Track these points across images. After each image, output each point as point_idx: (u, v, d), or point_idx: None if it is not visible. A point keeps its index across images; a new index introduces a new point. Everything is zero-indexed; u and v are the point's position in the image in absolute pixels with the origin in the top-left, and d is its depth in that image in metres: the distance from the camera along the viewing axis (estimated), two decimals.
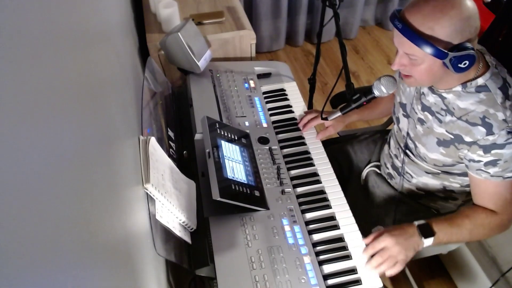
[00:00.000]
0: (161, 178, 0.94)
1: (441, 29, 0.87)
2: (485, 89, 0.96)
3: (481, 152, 0.96)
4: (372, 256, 0.98)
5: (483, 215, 1.01)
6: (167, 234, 0.92)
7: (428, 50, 0.88)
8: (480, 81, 0.96)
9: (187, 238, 1.00)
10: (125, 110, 0.90)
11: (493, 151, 0.94)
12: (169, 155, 1.09)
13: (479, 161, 0.97)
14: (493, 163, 0.95)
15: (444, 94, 1.02)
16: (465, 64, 0.88)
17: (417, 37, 0.88)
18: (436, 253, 1.35)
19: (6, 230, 0.30)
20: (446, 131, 1.03)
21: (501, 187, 0.99)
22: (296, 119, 1.37)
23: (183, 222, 0.99)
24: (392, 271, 0.96)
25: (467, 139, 0.98)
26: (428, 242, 0.98)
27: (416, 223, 1.00)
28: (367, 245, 1.00)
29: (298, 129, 1.34)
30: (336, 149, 1.48)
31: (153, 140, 0.97)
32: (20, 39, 0.38)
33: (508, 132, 0.92)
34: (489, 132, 0.94)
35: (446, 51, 0.87)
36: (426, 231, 0.98)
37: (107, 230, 0.59)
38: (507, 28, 1.35)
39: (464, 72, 0.91)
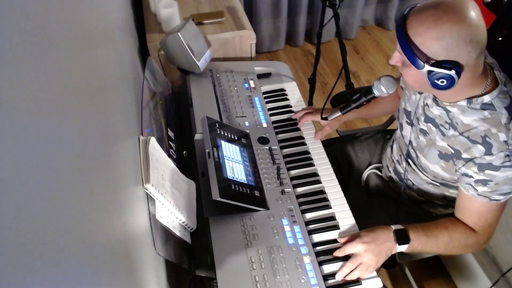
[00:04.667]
0: (161, 178, 0.94)
1: (428, 39, 0.83)
2: (490, 107, 0.92)
3: (475, 169, 0.94)
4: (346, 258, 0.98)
5: (462, 229, 1.00)
6: (167, 234, 0.92)
7: (408, 54, 0.86)
8: (487, 98, 0.92)
9: (187, 238, 1.00)
10: (125, 110, 0.90)
11: (487, 171, 0.92)
12: (169, 155, 1.09)
13: (471, 177, 0.95)
14: (483, 182, 0.93)
15: (449, 108, 0.99)
16: (442, 82, 0.85)
17: (404, 39, 0.86)
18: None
19: (6, 230, 0.30)
20: (448, 145, 1.01)
21: (485, 208, 0.97)
22: (296, 119, 1.37)
23: (183, 222, 0.99)
24: (362, 276, 0.96)
25: (465, 155, 0.96)
26: (402, 248, 0.98)
27: (394, 227, 1.00)
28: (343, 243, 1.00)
29: (298, 129, 1.34)
30: (336, 149, 1.48)
31: (153, 140, 0.97)
32: (20, 39, 0.38)
33: (506, 155, 0.89)
34: (488, 152, 0.91)
35: (422, 62, 0.84)
36: (402, 238, 0.98)
37: (107, 230, 0.59)
38: (507, 28, 1.35)
39: (444, 90, 0.87)
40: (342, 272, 0.95)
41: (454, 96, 0.96)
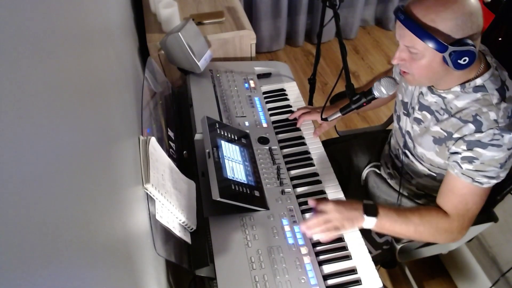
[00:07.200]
0: (161, 178, 0.94)
1: (442, 21, 0.86)
2: (482, 89, 0.95)
3: (464, 147, 0.96)
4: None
5: (435, 213, 1.02)
6: (167, 234, 0.92)
7: (428, 41, 0.88)
8: (479, 81, 0.96)
9: (187, 238, 1.00)
10: (125, 110, 0.90)
11: (475, 149, 0.94)
12: (169, 155, 1.09)
13: (459, 153, 0.97)
14: (469, 159, 0.95)
15: (443, 94, 1.02)
16: (464, 60, 0.88)
17: (419, 28, 0.88)
18: (436, 253, 1.35)
19: (6, 230, 0.30)
20: (441, 128, 1.03)
21: (467, 191, 0.98)
22: (296, 119, 1.37)
23: (183, 222, 0.99)
24: (325, 238, 0.98)
25: (456, 135, 0.98)
26: (369, 221, 0.99)
27: (364, 201, 1.01)
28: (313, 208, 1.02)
29: (298, 129, 1.34)
30: (336, 149, 1.49)
31: (153, 140, 0.97)
32: (20, 39, 0.38)
33: (495, 134, 0.91)
34: (478, 129, 0.93)
35: (446, 44, 0.87)
36: (370, 210, 0.99)
37: (107, 230, 0.59)
38: (507, 28, 1.35)
39: (463, 69, 0.90)
40: (306, 224, 0.97)
41: (450, 82, 0.99)
